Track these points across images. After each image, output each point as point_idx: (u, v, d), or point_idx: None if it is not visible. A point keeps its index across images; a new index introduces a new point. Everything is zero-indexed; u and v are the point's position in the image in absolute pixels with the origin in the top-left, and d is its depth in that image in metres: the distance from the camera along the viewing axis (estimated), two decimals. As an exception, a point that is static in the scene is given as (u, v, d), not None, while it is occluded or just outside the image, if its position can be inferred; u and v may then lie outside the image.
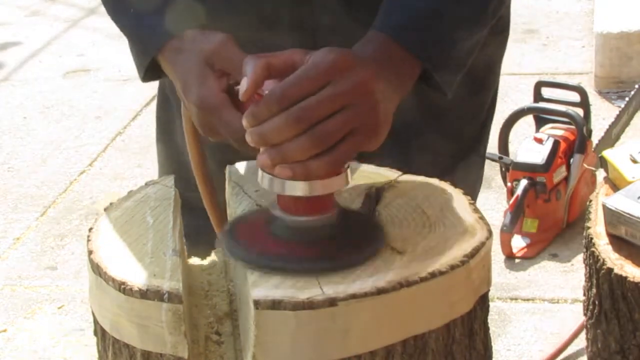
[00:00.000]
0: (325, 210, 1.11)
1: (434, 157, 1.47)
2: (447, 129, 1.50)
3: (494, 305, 2.71)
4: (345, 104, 1.08)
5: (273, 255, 1.10)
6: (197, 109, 1.20)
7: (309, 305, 1.04)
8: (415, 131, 1.46)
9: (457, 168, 1.52)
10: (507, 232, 3.18)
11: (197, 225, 1.43)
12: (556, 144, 3.25)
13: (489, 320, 1.21)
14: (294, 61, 1.11)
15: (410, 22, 1.23)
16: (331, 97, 1.07)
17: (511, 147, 3.42)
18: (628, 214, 1.24)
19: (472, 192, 1.55)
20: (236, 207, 1.23)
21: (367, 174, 1.29)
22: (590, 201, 1.32)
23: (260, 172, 1.11)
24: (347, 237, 1.13)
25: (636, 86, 3.45)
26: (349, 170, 1.11)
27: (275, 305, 1.04)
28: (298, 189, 1.09)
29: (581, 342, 2.78)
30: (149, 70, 1.32)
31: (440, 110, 1.43)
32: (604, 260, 1.21)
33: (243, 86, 1.09)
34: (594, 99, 3.97)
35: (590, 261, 1.25)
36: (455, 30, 1.26)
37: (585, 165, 3.23)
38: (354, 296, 1.05)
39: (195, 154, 1.37)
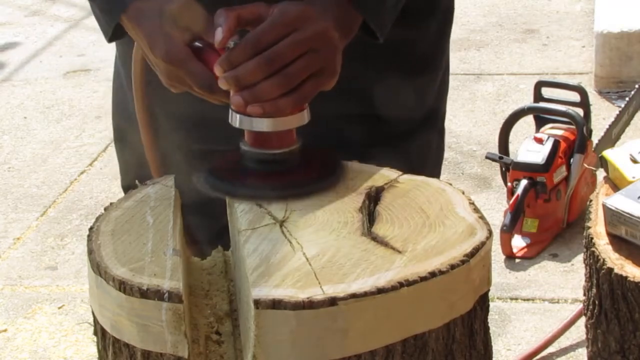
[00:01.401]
0: (288, 144, 1.27)
1: (389, 126, 1.53)
2: (401, 101, 1.55)
3: (494, 305, 2.71)
4: (308, 49, 1.23)
5: (246, 184, 1.26)
6: (164, 62, 1.30)
7: (309, 304, 1.04)
8: (368, 107, 1.51)
9: (414, 138, 1.57)
10: (507, 232, 3.18)
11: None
12: (556, 143, 3.25)
13: (489, 320, 1.21)
14: (260, 13, 1.26)
15: None
16: (297, 42, 1.23)
17: (511, 147, 3.42)
18: (628, 213, 1.24)
19: (432, 165, 1.63)
20: (236, 207, 1.23)
21: (367, 174, 1.29)
22: (591, 201, 1.32)
23: (231, 112, 1.26)
24: (309, 167, 1.28)
25: (636, 86, 3.44)
26: (307, 109, 1.26)
27: (276, 304, 1.04)
28: (265, 125, 1.24)
29: (581, 342, 2.78)
30: (115, 31, 1.41)
31: (391, 85, 1.52)
32: (604, 260, 1.21)
33: (218, 35, 1.24)
34: (594, 98, 3.97)
35: (591, 261, 1.25)
36: None
37: (586, 165, 3.23)
38: (354, 296, 1.05)
39: (140, 98, 1.48)
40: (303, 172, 1.28)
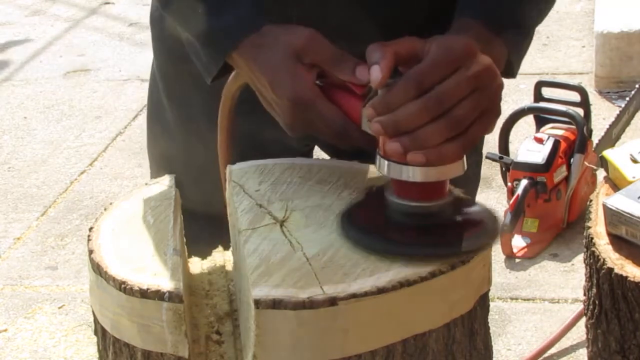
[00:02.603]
0: (441, 196, 1.13)
1: None
2: None
3: (494, 305, 2.71)
4: (475, 88, 1.09)
5: (392, 240, 1.12)
6: (292, 103, 1.18)
7: (310, 304, 1.04)
8: None
9: None
10: (508, 231, 3.18)
11: (193, 228, 1.43)
12: (556, 143, 3.25)
13: (489, 320, 1.21)
14: (415, 49, 1.12)
15: (502, 9, 1.27)
16: (464, 81, 1.09)
17: (511, 147, 3.42)
18: (628, 213, 1.24)
19: (470, 187, 1.57)
20: (236, 207, 1.23)
21: (368, 173, 1.29)
22: (591, 201, 1.32)
23: (378, 159, 1.12)
24: (462, 223, 1.14)
25: (637, 86, 3.45)
26: (465, 157, 1.12)
27: (276, 304, 1.04)
28: (418, 174, 1.10)
29: (581, 342, 2.78)
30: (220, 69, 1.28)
31: None
32: (604, 260, 1.21)
33: (376, 73, 1.09)
34: (594, 98, 3.97)
35: (591, 261, 1.25)
36: (535, 20, 1.32)
37: (586, 164, 3.23)
38: (354, 296, 1.05)
39: (224, 141, 1.38)
40: (455, 228, 1.14)
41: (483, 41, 1.19)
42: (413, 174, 1.10)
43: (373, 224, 1.16)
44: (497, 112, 1.13)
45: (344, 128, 1.16)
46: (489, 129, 1.13)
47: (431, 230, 1.13)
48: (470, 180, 1.61)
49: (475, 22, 1.25)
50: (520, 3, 1.30)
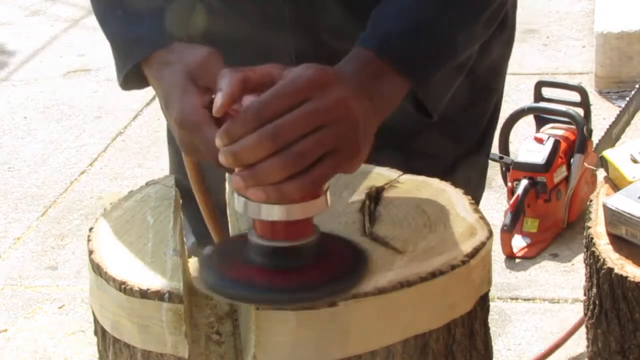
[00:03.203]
0: (303, 235, 1.05)
1: (434, 160, 1.45)
2: (450, 132, 1.48)
3: (494, 305, 2.71)
4: (323, 123, 1.02)
5: (245, 283, 1.06)
6: (177, 125, 1.13)
7: (309, 305, 1.04)
8: (417, 134, 1.44)
9: (458, 169, 1.51)
10: (508, 231, 3.18)
11: (193, 207, 1.42)
12: (557, 143, 3.25)
13: (489, 320, 1.21)
14: (272, 76, 1.05)
15: (397, 37, 1.18)
16: (308, 114, 1.01)
17: (512, 147, 3.42)
18: (628, 213, 1.24)
19: (474, 193, 1.55)
20: (237, 207, 1.23)
21: (368, 174, 1.29)
22: (591, 201, 1.32)
23: (235, 195, 1.05)
24: (326, 264, 1.08)
25: (637, 86, 3.44)
26: (328, 193, 1.05)
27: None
28: (274, 213, 1.02)
29: (581, 342, 2.78)
30: (131, 78, 1.25)
31: (444, 115, 1.34)
32: (604, 260, 1.22)
33: (218, 101, 1.04)
34: (594, 98, 3.97)
35: (591, 261, 1.25)
36: (446, 46, 1.21)
37: (586, 165, 3.24)
38: (354, 296, 1.05)
39: (192, 169, 1.33)
40: (317, 270, 1.06)
41: (360, 71, 1.12)
42: (268, 212, 1.03)
43: (230, 265, 1.09)
44: (353, 151, 1.05)
45: None
46: (340, 168, 1.04)
47: (289, 271, 1.06)
48: (478, 186, 1.61)
49: (367, 51, 1.16)
50: (426, 33, 1.19)
